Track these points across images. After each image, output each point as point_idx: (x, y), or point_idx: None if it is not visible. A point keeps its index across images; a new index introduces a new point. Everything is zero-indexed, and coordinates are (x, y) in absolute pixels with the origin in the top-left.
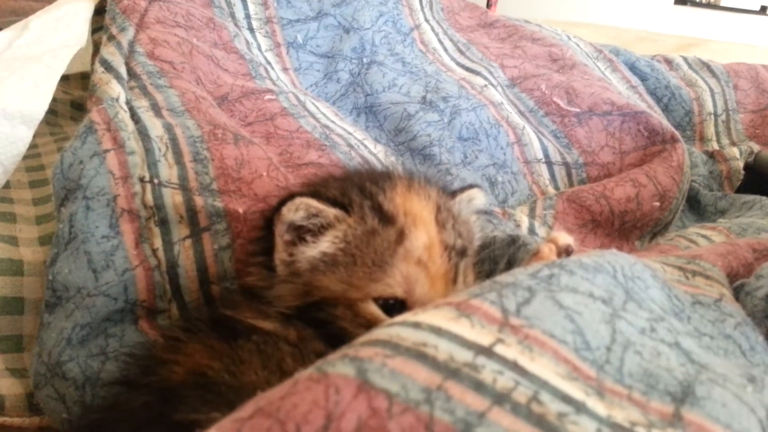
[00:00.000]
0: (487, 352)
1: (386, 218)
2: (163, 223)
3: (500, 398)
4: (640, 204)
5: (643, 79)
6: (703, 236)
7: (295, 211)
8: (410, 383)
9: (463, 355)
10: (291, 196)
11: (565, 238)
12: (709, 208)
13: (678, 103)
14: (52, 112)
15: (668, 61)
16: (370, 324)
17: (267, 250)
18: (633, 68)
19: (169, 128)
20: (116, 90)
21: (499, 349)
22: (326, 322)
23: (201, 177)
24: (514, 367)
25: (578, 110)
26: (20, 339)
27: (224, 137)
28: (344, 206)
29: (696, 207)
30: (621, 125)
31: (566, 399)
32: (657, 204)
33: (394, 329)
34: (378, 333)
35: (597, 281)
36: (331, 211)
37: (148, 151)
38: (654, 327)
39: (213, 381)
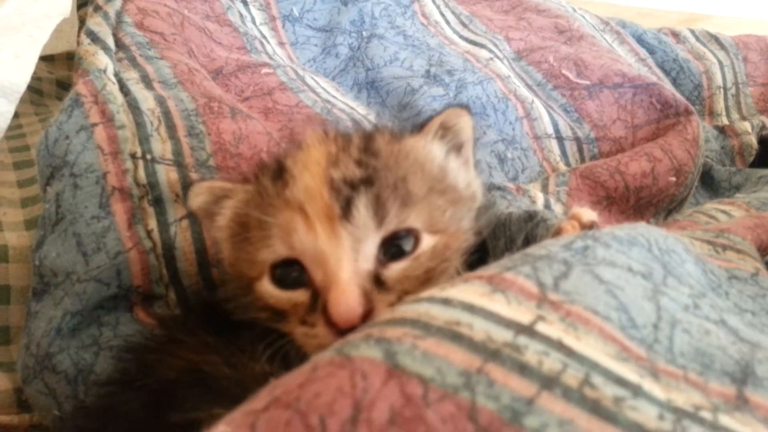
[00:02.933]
0: (528, 330)
1: (278, 174)
2: (158, 203)
3: (549, 382)
4: (656, 179)
5: (651, 52)
6: (723, 211)
7: (196, 196)
8: (446, 367)
9: (502, 335)
10: (193, 183)
11: (588, 214)
12: (723, 183)
13: (686, 76)
14: (37, 91)
15: (675, 34)
16: (269, 304)
17: None
18: (640, 41)
19: (161, 101)
20: (103, 61)
21: (541, 327)
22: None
23: (197, 152)
24: (560, 347)
25: (588, 83)
26: (7, 330)
27: (220, 110)
28: (252, 179)
29: (709, 183)
30: (633, 98)
31: (620, 382)
32: (673, 179)
33: (422, 306)
34: (404, 310)
35: (633, 255)
36: (234, 186)
37: (139, 125)
38: (697, 303)
39: (211, 376)
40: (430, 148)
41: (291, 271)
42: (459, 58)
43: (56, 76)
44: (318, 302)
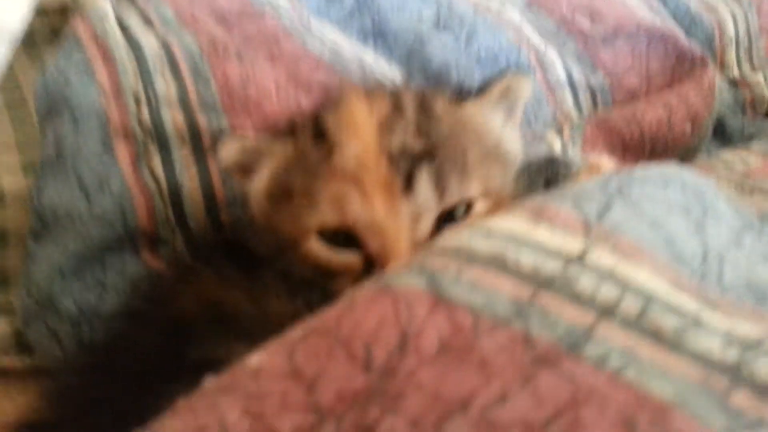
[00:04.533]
0: (577, 261)
1: (321, 135)
2: (163, 145)
3: (606, 311)
4: (672, 127)
5: (662, 3)
6: (740, 159)
7: (228, 152)
8: (495, 296)
9: (552, 265)
10: (221, 137)
11: (607, 163)
12: (736, 133)
13: (699, 28)
14: (31, 43)
15: None
16: (318, 265)
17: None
18: None
19: (163, 41)
20: (103, 3)
21: (592, 258)
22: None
23: (203, 95)
24: (612, 277)
25: (602, 31)
26: (5, 274)
27: (226, 53)
28: (288, 134)
29: (721, 133)
30: (647, 47)
31: (679, 312)
32: (688, 127)
33: (464, 236)
34: (446, 240)
35: (669, 192)
36: (270, 142)
37: (142, 66)
38: (738, 240)
39: (232, 313)
40: (491, 117)
41: (341, 234)
42: (469, 6)
43: (51, 27)
44: (373, 269)
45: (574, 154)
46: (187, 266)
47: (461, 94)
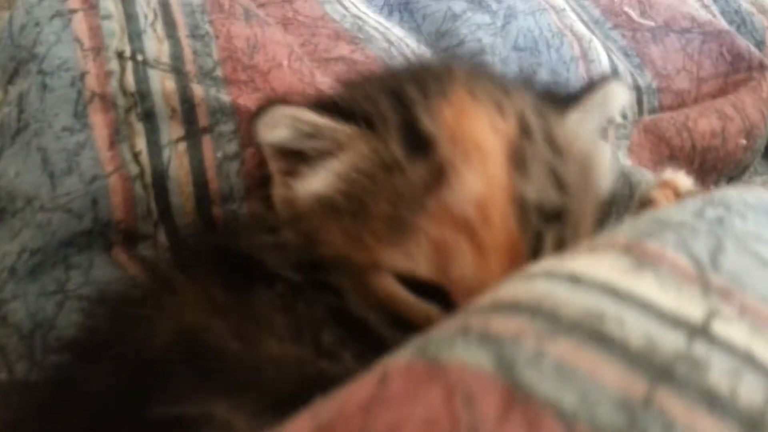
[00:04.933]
0: (703, 333)
1: (420, 143)
2: (149, 118)
3: (754, 425)
4: (725, 140)
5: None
6: None
7: (274, 128)
8: (595, 393)
9: (671, 340)
10: (269, 104)
11: (685, 182)
12: None
13: (748, 31)
14: None
15: None
16: (388, 306)
17: (267, 178)
18: None
19: None
20: None
21: (719, 327)
22: (336, 297)
23: (201, 59)
24: (751, 361)
25: (653, 24)
26: None
27: (232, 10)
28: (360, 120)
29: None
30: (701, 46)
31: None
32: (743, 142)
33: (541, 285)
34: (515, 289)
35: None
36: (336, 129)
37: (130, 16)
38: None
39: (214, 349)
40: (588, 133)
41: (428, 285)
42: None
43: None
44: None
45: (627, 163)
46: (163, 281)
47: (551, 96)
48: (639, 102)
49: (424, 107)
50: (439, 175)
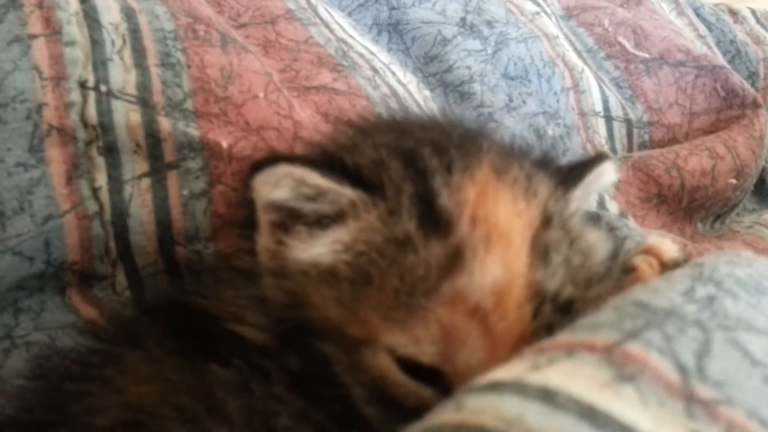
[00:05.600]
0: None
1: (436, 221)
2: (111, 152)
3: None
4: (715, 179)
5: (708, 29)
6: None
7: (274, 187)
8: None
9: None
10: (272, 160)
11: (670, 249)
12: None
13: (743, 62)
14: None
15: (733, 13)
16: (377, 385)
17: (250, 220)
18: (697, 16)
19: (129, 14)
20: None
21: None
22: (317, 362)
23: (171, 89)
24: None
25: (647, 56)
26: None
27: (208, 36)
28: (369, 185)
29: (759, 187)
30: (695, 80)
31: None
32: (733, 181)
33: (511, 403)
34: (481, 404)
35: (765, 309)
36: (341, 193)
37: (96, 43)
38: None
39: None
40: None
41: (423, 366)
42: (501, 8)
43: None
44: None
45: (612, 205)
46: (108, 350)
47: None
48: (629, 135)
49: (445, 181)
50: (456, 258)
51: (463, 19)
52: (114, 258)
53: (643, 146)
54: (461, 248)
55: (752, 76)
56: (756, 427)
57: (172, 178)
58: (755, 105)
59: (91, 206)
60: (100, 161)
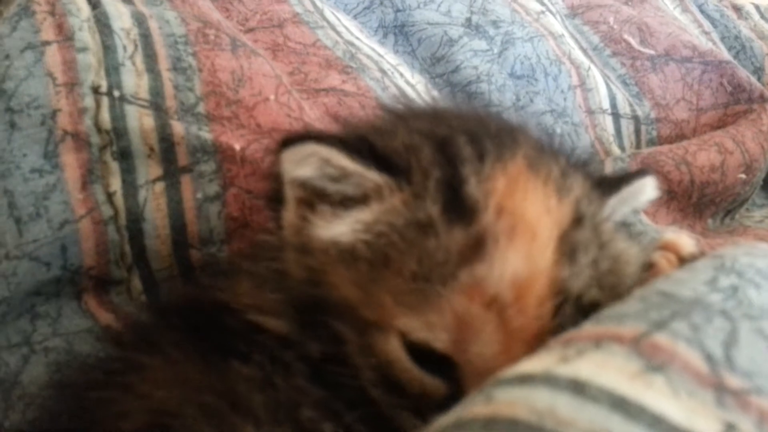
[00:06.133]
0: None
1: (461, 209)
2: (125, 157)
3: None
4: (725, 175)
5: (712, 25)
6: None
7: (301, 165)
8: None
9: None
10: (301, 137)
11: (688, 244)
12: None
13: (747, 57)
14: None
15: (737, 9)
16: (385, 369)
17: (278, 194)
18: (702, 12)
19: (140, 20)
20: None
21: None
22: (331, 342)
23: (183, 93)
24: None
25: (653, 52)
26: None
27: (218, 41)
28: (396, 170)
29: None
30: (701, 76)
31: None
32: (742, 176)
33: (543, 394)
34: (514, 396)
35: None
36: (367, 176)
37: (108, 48)
38: None
39: None
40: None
41: (436, 355)
42: (506, 8)
43: None
44: (450, 408)
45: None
46: (128, 357)
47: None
48: (637, 132)
49: (475, 169)
50: (477, 247)
51: (469, 20)
52: (129, 262)
53: (651, 143)
54: (484, 237)
55: (758, 71)
56: None
57: (186, 182)
58: (762, 99)
59: (106, 211)
60: (114, 166)
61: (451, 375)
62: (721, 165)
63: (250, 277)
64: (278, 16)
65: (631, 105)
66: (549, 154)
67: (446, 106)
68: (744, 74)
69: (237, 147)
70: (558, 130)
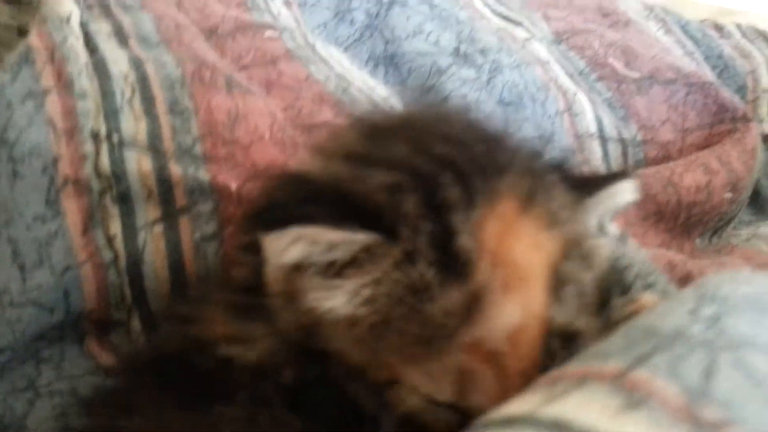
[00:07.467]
0: None
1: (455, 268)
2: (124, 200)
3: None
4: (711, 195)
5: (695, 45)
6: None
7: (286, 250)
8: None
9: None
10: (282, 222)
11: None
12: None
13: (731, 76)
14: None
15: (719, 28)
16: (409, 417)
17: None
18: (684, 32)
19: (137, 64)
20: (67, 7)
21: None
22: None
23: (180, 135)
24: None
25: (638, 75)
26: None
27: (213, 81)
28: (383, 223)
29: (754, 200)
30: (686, 97)
31: None
32: (728, 195)
33: None
34: None
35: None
36: (355, 239)
37: (107, 94)
38: None
39: None
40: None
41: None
42: (493, 36)
43: (18, 23)
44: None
45: (612, 230)
46: (110, 414)
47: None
48: (624, 154)
49: (465, 218)
50: (474, 304)
51: (457, 49)
52: (129, 304)
53: (637, 164)
54: (480, 294)
55: (741, 89)
56: None
57: (184, 223)
58: (745, 119)
59: (107, 255)
60: (114, 210)
61: (463, 412)
62: (707, 185)
63: (224, 306)
64: (271, 52)
65: (617, 128)
66: (536, 177)
67: (420, 115)
68: (727, 94)
69: (233, 186)
70: (546, 155)
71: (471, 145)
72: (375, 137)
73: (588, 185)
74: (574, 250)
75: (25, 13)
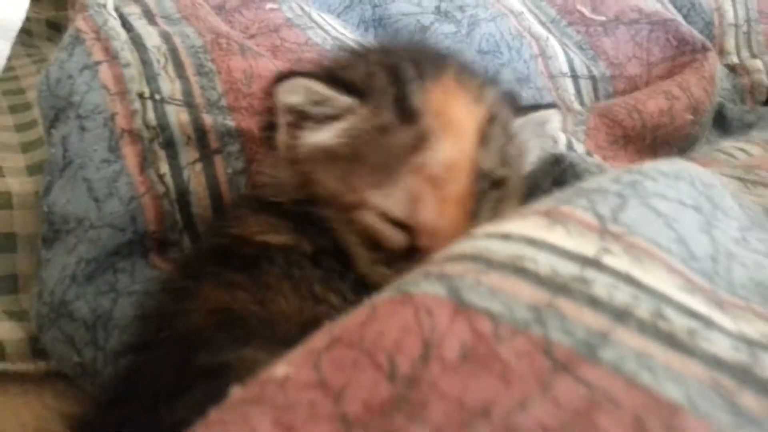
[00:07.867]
0: (594, 263)
1: (408, 114)
2: (169, 146)
3: (621, 316)
4: (674, 117)
5: None
6: (741, 150)
7: (291, 94)
8: (514, 302)
9: (569, 269)
10: (290, 74)
11: None
12: (735, 122)
13: (698, 13)
14: (26, 32)
15: None
16: (365, 232)
17: (271, 124)
18: None
19: (166, 37)
20: None
21: (607, 260)
22: (324, 225)
23: (207, 92)
24: (628, 279)
25: (604, 18)
26: (15, 279)
27: (229, 47)
28: (360, 93)
29: (721, 122)
30: (649, 35)
31: (691, 313)
32: (690, 117)
33: (481, 242)
34: (462, 247)
35: (681, 188)
36: (339, 100)
37: (146, 63)
38: (745, 237)
39: (239, 315)
40: (526, 138)
41: (396, 224)
42: None
43: (44, 17)
44: (411, 258)
45: (579, 146)
46: (190, 273)
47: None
48: (595, 90)
49: (418, 86)
50: (421, 140)
51: (438, 7)
52: (180, 227)
53: (608, 98)
54: (426, 133)
55: (708, 26)
56: (652, 248)
57: (218, 161)
58: (704, 49)
59: (160, 188)
60: (161, 153)
61: (409, 233)
62: (669, 109)
63: (252, 211)
64: (273, 22)
65: (587, 67)
66: (472, 73)
67: (394, 43)
68: (686, 29)
69: (256, 130)
70: (524, 94)
71: (425, 51)
72: (357, 53)
73: (521, 108)
74: (500, 125)
75: (46, 8)
